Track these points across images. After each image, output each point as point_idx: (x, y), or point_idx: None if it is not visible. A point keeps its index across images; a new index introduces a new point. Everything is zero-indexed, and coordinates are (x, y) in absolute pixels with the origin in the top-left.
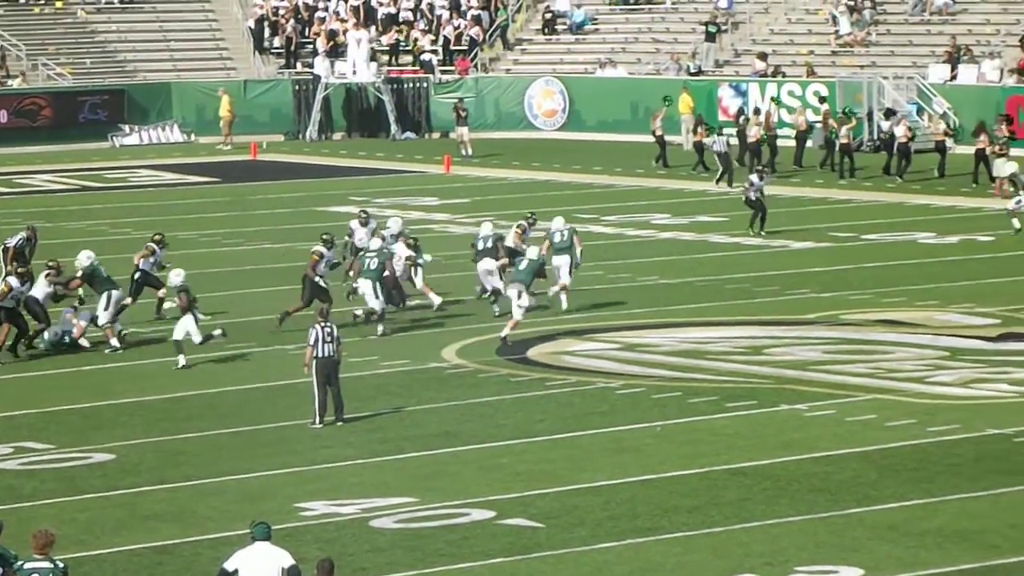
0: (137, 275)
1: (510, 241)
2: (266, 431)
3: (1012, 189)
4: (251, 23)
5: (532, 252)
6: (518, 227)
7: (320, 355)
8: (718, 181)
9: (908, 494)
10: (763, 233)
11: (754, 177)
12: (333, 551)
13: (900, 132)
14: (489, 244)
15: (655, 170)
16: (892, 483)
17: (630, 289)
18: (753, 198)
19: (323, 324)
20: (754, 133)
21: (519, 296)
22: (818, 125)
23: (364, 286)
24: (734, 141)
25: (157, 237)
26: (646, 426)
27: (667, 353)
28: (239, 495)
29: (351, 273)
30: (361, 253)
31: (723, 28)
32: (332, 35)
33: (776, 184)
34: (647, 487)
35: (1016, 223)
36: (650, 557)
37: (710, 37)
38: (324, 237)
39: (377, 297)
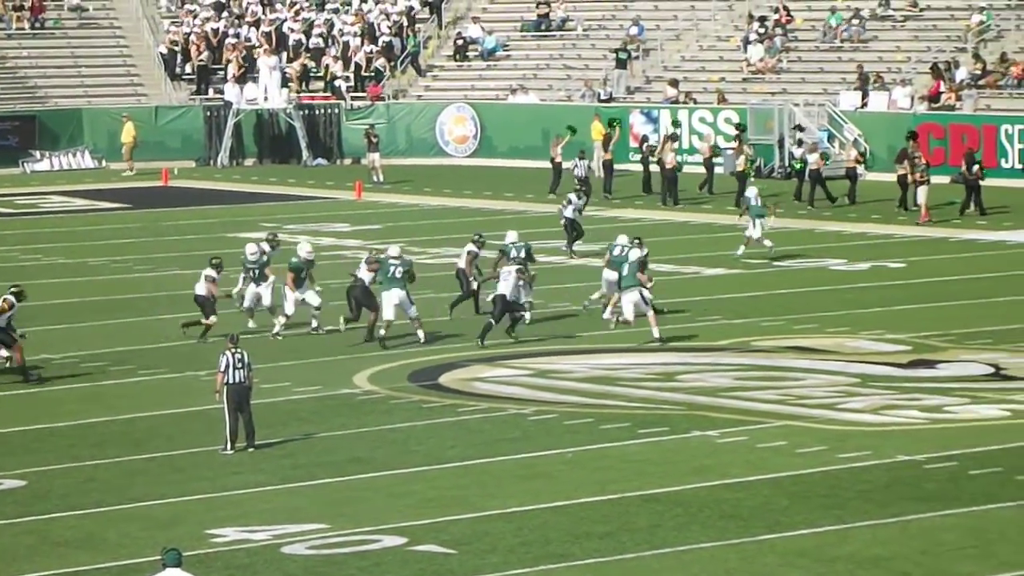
0: None
1: (462, 264)
2: (177, 457)
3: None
4: (162, 49)
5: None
6: (469, 253)
7: (231, 381)
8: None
9: (819, 520)
10: (574, 253)
11: (573, 196)
12: None
13: (812, 160)
14: (522, 254)
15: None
16: (803, 509)
17: (542, 316)
18: (570, 216)
19: (234, 350)
20: (671, 160)
21: (641, 297)
22: (729, 152)
23: (394, 296)
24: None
25: (15, 289)
26: (558, 452)
27: (579, 379)
28: (150, 521)
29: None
30: (385, 259)
31: (634, 55)
32: (243, 61)
33: (690, 211)
34: (559, 513)
35: None
36: None
37: (621, 64)
38: (214, 261)
39: (412, 304)
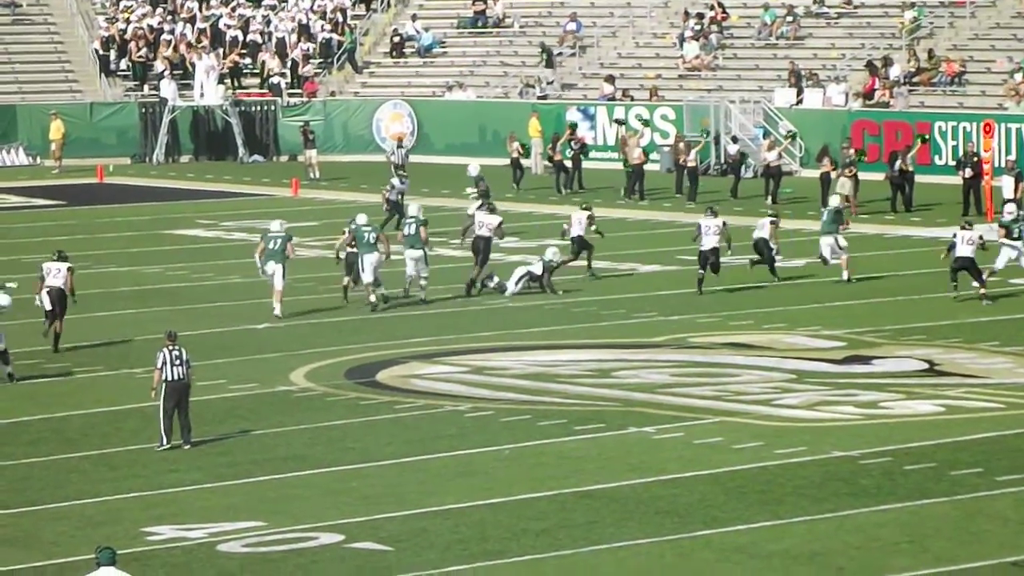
0: None
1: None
2: (113, 455)
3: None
4: (97, 45)
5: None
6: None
7: (169, 378)
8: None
9: (755, 516)
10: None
11: (395, 180)
12: None
13: (771, 156)
14: (413, 230)
15: (522, 193)
16: (739, 505)
17: (479, 312)
18: (393, 199)
19: (171, 347)
20: (638, 155)
21: (836, 241)
22: (665, 149)
23: (372, 258)
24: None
25: None
26: (495, 449)
27: (516, 376)
28: (84, 520)
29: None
30: (357, 228)
31: (557, 53)
32: (179, 58)
33: (624, 207)
34: (496, 510)
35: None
36: None
37: (548, 63)
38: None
39: (427, 264)
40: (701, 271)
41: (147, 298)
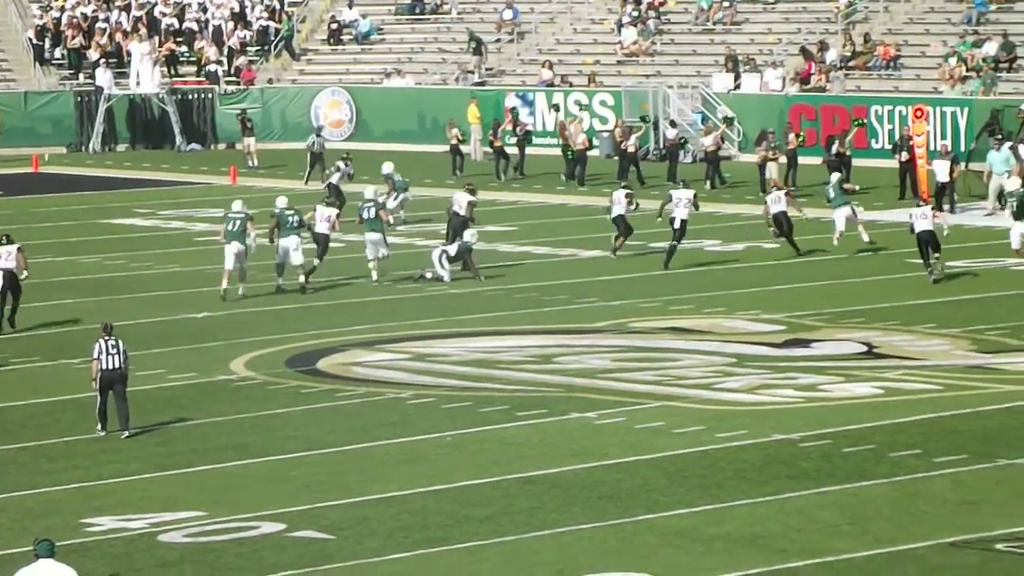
0: None
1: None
2: (51, 446)
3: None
4: (31, 34)
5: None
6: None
7: (105, 367)
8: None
9: (697, 500)
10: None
11: (340, 163)
12: (121, 567)
13: (708, 142)
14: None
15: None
16: (681, 489)
17: (420, 299)
18: (335, 184)
19: (107, 338)
20: (582, 140)
21: (852, 211)
22: (605, 135)
23: (291, 242)
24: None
25: None
26: (437, 436)
27: (457, 363)
28: (23, 512)
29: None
30: (281, 212)
31: (495, 40)
32: (115, 46)
33: (567, 193)
34: (438, 497)
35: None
36: (441, 567)
37: (476, 51)
38: None
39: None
40: (675, 243)
41: (85, 288)
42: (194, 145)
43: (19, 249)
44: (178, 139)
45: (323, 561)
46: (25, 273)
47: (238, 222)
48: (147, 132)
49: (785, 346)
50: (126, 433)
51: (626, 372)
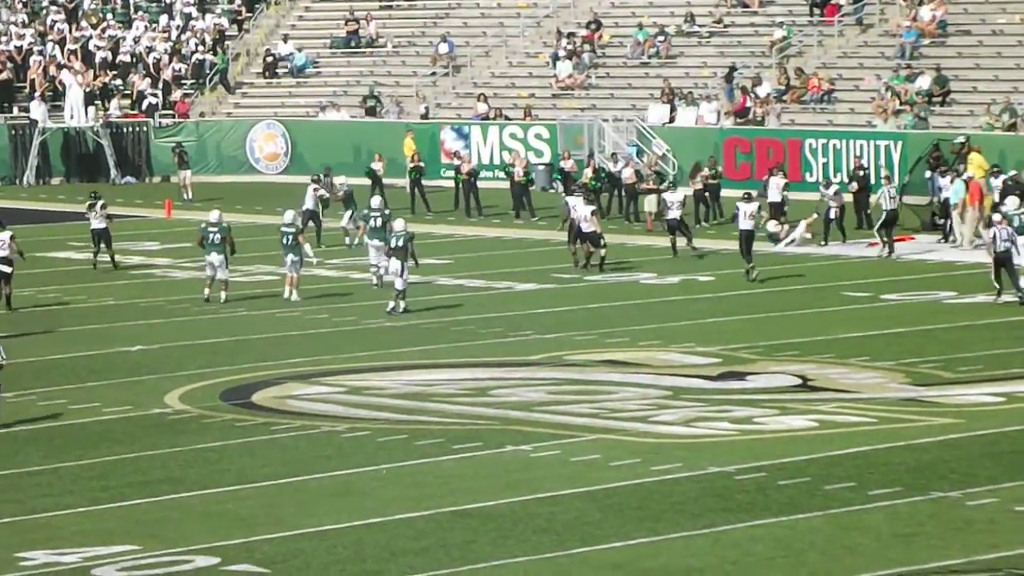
0: None
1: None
2: None
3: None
4: None
5: None
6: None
7: None
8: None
9: (632, 533)
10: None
11: (340, 179)
12: None
13: (627, 174)
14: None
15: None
16: (616, 522)
17: (355, 332)
18: (312, 207)
19: None
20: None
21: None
22: (540, 168)
23: (214, 258)
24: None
25: None
26: (372, 469)
27: (393, 396)
28: None
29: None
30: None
31: (430, 73)
32: (49, 79)
33: (503, 226)
34: (373, 530)
35: None
36: None
37: (370, 111)
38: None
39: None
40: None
41: (18, 322)
42: (129, 178)
43: (12, 237)
44: (113, 172)
45: None
46: (19, 258)
47: (218, 234)
48: (82, 165)
49: (720, 379)
50: None
51: (562, 405)
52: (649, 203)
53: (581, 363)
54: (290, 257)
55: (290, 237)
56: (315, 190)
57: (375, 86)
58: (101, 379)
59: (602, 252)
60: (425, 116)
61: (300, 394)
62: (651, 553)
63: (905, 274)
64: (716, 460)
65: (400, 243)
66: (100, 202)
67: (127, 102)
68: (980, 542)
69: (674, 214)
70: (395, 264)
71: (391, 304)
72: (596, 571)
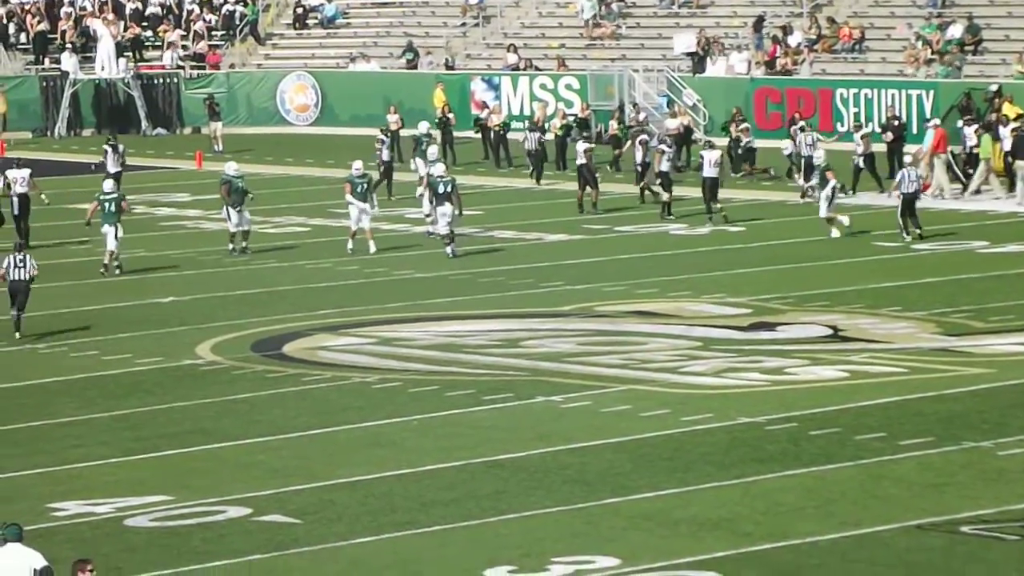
0: None
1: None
2: (16, 431)
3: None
4: None
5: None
6: None
7: (11, 279)
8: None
9: (663, 483)
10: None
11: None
12: (87, 551)
13: (672, 125)
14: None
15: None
16: (647, 473)
17: (386, 283)
18: (387, 159)
19: (18, 255)
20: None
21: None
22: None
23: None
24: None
25: None
26: (403, 420)
27: (423, 347)
28: None
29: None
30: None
31: (460, 23)
32: (80, 30)
33: (527, 177)
34: (404, 481)
35: None
36: (407, 550)
37: (411, 65)
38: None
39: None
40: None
41: (51, 272)
42: (160, 130)
43: (31, 175)
44: (144, 124)
45: (289, 545)
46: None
47: (240, 184)
48: (113, 117)
49: (751, 329)
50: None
51: (592, 356)
52: (638, 155)
53: (611, 314)
54: (359, 206)
55: (364, 185)
56: (381, 142)
57: (411, 40)
58: (133, 330)
59: (665, 197)
60: (450, 67)
61: (331, 345)
62: (681, 503)
63: (937, 223)
64: (746, 411)
65: (447, 189)
66: (120, 147)
67: (157, 54)
68: (1012, 492)
69: (664, 167)
70: (446, 208)
71: (448, 248)
72: (627, 521)
